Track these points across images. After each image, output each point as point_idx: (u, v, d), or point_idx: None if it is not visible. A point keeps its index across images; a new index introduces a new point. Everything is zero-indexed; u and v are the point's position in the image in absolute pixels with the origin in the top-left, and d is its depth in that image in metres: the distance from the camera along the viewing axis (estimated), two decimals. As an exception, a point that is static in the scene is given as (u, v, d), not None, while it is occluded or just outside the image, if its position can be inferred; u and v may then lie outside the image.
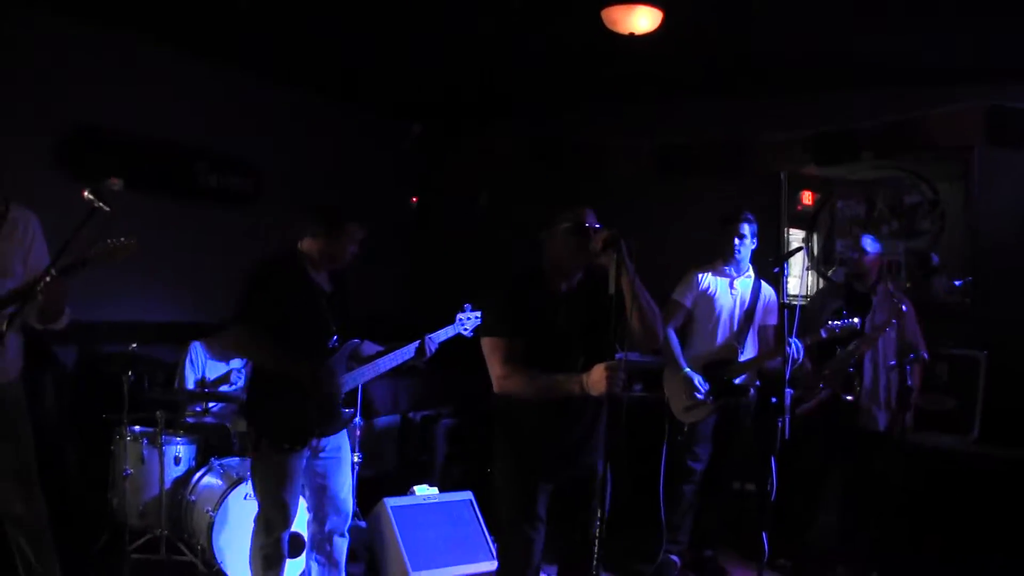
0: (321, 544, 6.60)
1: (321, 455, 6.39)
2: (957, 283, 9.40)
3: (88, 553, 7.60)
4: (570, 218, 5.30)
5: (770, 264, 7.31)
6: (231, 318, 6.17)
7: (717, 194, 10.02)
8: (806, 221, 10.51)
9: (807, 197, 10.51)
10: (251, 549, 6.43)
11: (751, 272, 8.31)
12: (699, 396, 7.89)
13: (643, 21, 7.54)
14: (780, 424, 6.75)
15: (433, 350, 6.65)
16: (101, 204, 5.56)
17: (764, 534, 6.76)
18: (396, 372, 6.71)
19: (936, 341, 8.49)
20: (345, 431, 6.60)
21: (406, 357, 6.61)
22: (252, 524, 6.45)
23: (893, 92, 9.58)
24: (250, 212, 10.48)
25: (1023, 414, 8.63)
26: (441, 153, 12.48)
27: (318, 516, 6.53)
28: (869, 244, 8.34)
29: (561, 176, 11.08)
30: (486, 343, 5.37)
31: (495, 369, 5.30)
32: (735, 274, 8.24)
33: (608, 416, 5.16)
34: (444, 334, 6.70)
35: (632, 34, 7.62)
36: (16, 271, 5.82)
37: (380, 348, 6.66)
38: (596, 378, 4.92)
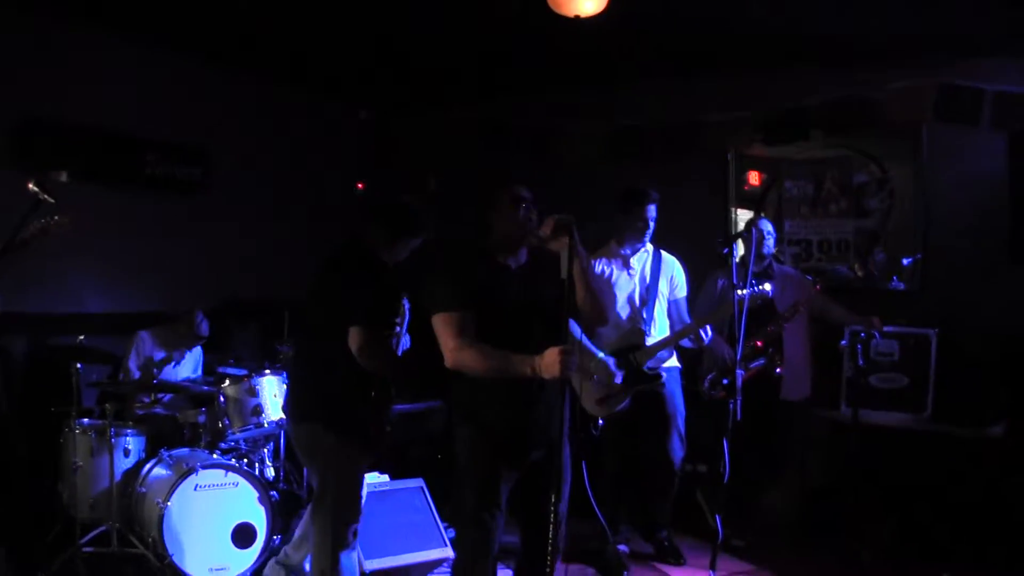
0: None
1: None
2: (907, 261, 9.42)
3: (39, 546, 7.53)
4: (506, 193, 5.33)
5: (719, 245, 7.29)
6: (357, 320, 5.89)
7: (667, 174, 9.95)
8: (754, 201, 10.49)
9: (754, 178, 10.51)
10: (318, 556, 6.27)
11: (647, 246, 8.14)
12: (616, 381, 7.61)
13: (588, 4, 7.50)
14: (732, 406, 6.75)
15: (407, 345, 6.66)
16: (46, 196, 5.56)
17: (718, 516, 6.76)
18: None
19: (887, 320, 8.53)
20: None
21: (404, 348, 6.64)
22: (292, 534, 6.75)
23: (842, 69, 9.57)
24: (199, 201, 10.41)
25: (975, 392, 8.67)
26: (389, 138, 12.43)
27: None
28: (769, 225, 8.47)
29: (511, 160, 11.06)
30: (437, 319, 5.30)
31: (447, 342, 5.24)
32: (629, 252, 8.09)
33: (564, 401, 5.15)
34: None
35: (577, 16, 7.58)
36: None
37: None
38: (549, 361, 4.90)
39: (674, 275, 8.15)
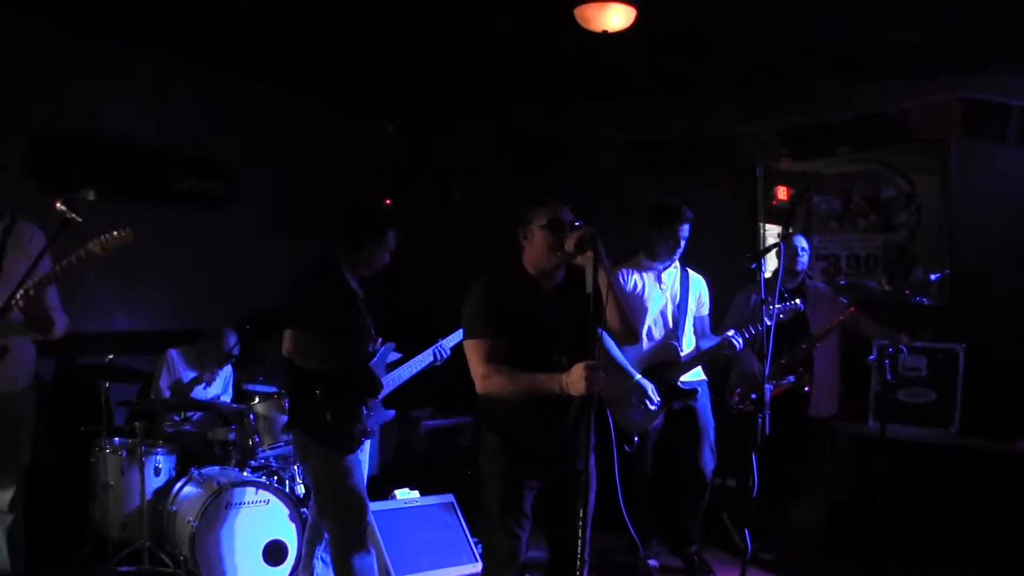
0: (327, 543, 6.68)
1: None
2: (934, 276, 9.41)
3: (70, 566, 7.55)
4: (545, 214, 5.29)
5: (747, 260, 7.28)
6: (289, 322, 6.09)
7: (694, 187, 9.94)
8: (782, 215, 10.48)
9: (782, 193, 10.50)
10: (335, 560, 6.35)
11: (676, 262, 8.04)
12: (652, 407, 7.60)
13: (616, 19, 7.51)
14: (760, 420, 6.75)
15: (445, 355, 6.68)
16: (74, 215, 5.57)
17: (747, 530, 6.76)
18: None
19: (914, 335, 8.52)
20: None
21: (428, 362, 6.67)
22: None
23: (868, 84, 9.58)
24: (225, 215, 10.44)
25: (1003, 406, 8.66)
26: (415, 151, 12.44)
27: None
28: (803, 242, 8.47)
29: (535, 172, 11.06)
30: (468, 345, 5.36)
31: (477, 369, 5.28)
32: (660, 267, 7.98)
33: (590, 415, 5.16)
34: (454, 339, 6.72)
35: (605, 31, 7.60)
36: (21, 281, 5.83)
37: (399, 354, 6.75)
38: (575, 378, 4.89)
39: (701, 293, 8.13)
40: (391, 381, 6.61)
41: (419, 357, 6.73)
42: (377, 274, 6.47)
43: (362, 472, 6.51)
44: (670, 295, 7.97)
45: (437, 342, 6.79)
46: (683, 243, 7.81)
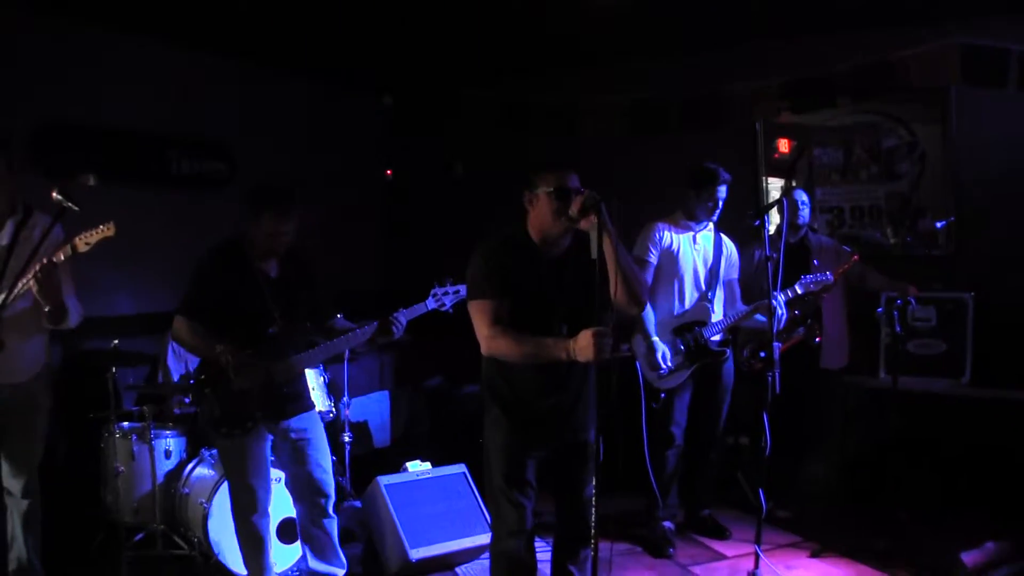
0: (308, 531, 6.70)
1: (287, 439, 6.46)
2: (939, 224, 9.36)
3: (85, 553, 7.55)
4: (552, 180, 5.26)
5: (750, 217, 7.24)
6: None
7: (696, 145, 9.88)
8: (784, 169, 10.45)
9: (783, 145, 10.45)
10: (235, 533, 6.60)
11: (710, 224, 8.07)
12: (663, 369, 7.71)
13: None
14: (770, 379, 6.73)
15: (401, 329, 6.56)
16: (70, 204, 5.53)
17: (761, 490, 6.74)
18: (383, 347, 6.66)
19: (923, 285, 8.50)
20: (313, 412, 6.62)
21: (363, 338, 6.53)
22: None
23: (866, 34, 9.49)
24: (226, 196, 10.37)
25: (1014, 354, 8.63)
26: (416, 125, 12.40)
27: (300, 501, 6.66)
28: (804, 195, 8.46)
29: (534, 140, 11.03)
30: (473, 306, 5.37)
31: (482, 330, 5.29)
32: (696, 228, 8.00)
33: (597, 383, 5.13)
34: (413, 312, 6.61)
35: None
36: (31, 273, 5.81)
37: (353, 326, 6.61)
38: (583, 344, 4.88)
39: (731, 255, 8.13)
40: (312, 358, 6.52)
41: (356, 332, 6.60)
42: (280, 252, 6.39)
43: (295, 460, 6.56)
44: (702, 258, 7.99)
45: (394, 313, 6.66)
46: (721, 204, 7.84)
